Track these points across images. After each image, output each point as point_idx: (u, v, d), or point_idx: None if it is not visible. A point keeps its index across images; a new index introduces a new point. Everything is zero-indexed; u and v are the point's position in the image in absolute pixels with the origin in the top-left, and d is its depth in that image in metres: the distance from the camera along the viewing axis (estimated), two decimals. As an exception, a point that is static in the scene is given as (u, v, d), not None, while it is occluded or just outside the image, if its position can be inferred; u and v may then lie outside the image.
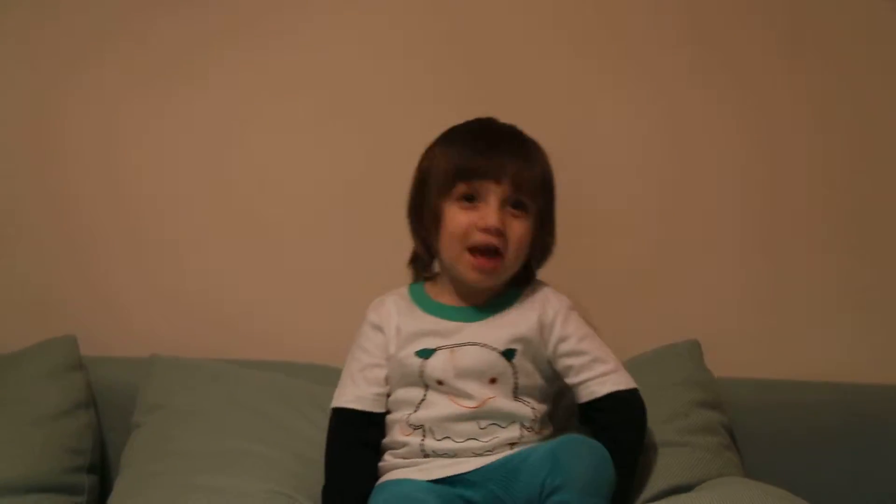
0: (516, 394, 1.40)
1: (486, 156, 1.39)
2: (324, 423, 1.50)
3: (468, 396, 1.38)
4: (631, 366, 1.47)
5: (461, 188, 1.39)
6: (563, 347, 1.42)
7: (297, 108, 1.79)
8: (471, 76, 1.77)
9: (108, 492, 1.48)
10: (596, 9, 1.79)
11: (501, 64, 1.78)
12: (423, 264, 1.50)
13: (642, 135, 1.78)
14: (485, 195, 1.38)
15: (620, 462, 1.30)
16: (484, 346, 1.40)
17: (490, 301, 1.45)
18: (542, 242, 1.46)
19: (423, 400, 1.40)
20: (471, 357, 1.39)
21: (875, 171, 1.78)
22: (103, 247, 1.78)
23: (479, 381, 1.38)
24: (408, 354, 1.41)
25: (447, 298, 1.46)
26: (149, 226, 1.78)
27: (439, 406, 1.38)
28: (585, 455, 1.26)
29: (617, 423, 1.38)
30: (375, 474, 1.40)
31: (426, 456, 1.37)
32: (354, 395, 1.43)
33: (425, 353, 1.40)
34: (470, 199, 1.39)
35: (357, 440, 1.41)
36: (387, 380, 1.43)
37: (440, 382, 1.39)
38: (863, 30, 1.79)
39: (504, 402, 1.38)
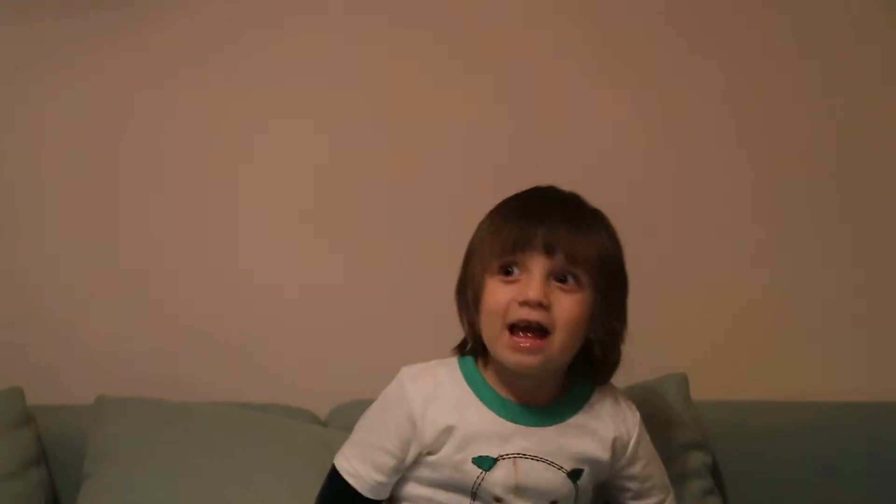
0: None
1: (531, 223, 1.21)
2: (288, 457, 1.45)
3: None
4: None
5: (503, 260, 1.22)
6: (630, 470, 1.29)
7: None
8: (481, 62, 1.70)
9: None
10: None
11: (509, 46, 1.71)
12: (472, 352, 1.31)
13: (644, 140, 1.73)
14: (528, 266, 1.20)
15: None
16: (550, 463, 1.23)
17: (556, 402, 1.26)
18: (606, 327, 1.24)
19: None
20: (536, 475, 1.22)
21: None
22: (52, 280, 1.69)
23: (539, 501, 1.23)
24: (464, 459, 1.22)
25: (504, 390, 1.25)
26: (96, 258, 1.70)
27: None
28: None
29: None
30: None
31: None
32: (356, 470, 1.26)
33: (486, 463, 1.22)
34: (511, 272, 1.22)
35: None
36: (402, 470, 1.26)
37: (497, 500, 1.23)
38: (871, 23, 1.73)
39: None
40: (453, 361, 1.29)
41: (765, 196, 1.75)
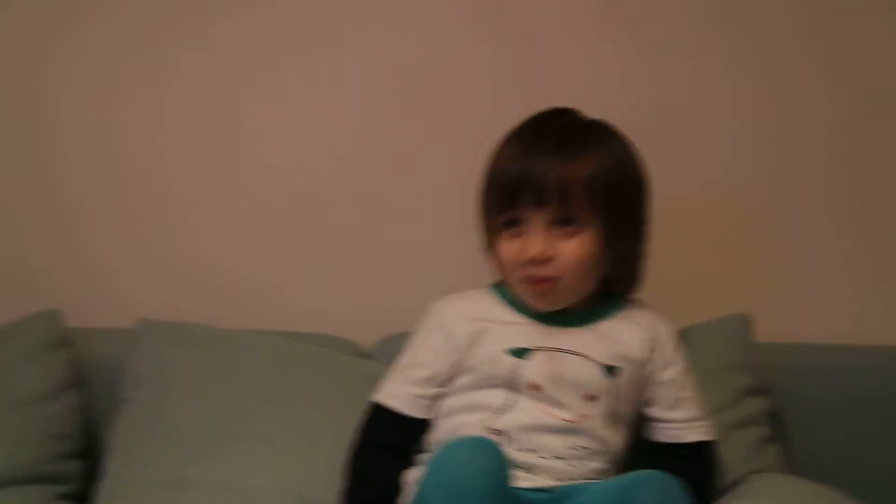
0: (610, 419, 1.24)
1: (521, 175, 1.22)
2: (332, 393, 1.38)
3: (563, 407, 1.22)
4: (681, 339, 1.35)
5: (503, 216, 1.24)
6: (666, 375, 1.28)
7: (307, 74, 1.63)
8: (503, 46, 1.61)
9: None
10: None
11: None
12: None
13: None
14: (528, 218, 1.22)
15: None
16: (585, 357, 1.24)
17: (589, 308, 1.28)
18: (618, 260, 1.26)
19: (507, 405, 1.23)
20: (572, 367, 1.23)
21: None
22: (92, 211, 1.63)
23: (577, 395, 1.23)
24: (497, 352, 1.24)
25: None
26: (141, 189, 1.64)
27: (530, 413, 1.22)
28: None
29: (692, 474, 1.21)
30: (398, 484, 1.24)
31: None
32: (392, 392, 1.28)
33: (520, 353, 1.24)
34: (515, 223, 1.24)
35: (383, 442, 1.26)
36: (444, 382, 1.27)
37: (536, 387, 1.22)
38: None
39: (601, 426, 1.23)
40: (485, 288, 1.33)
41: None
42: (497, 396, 1.23)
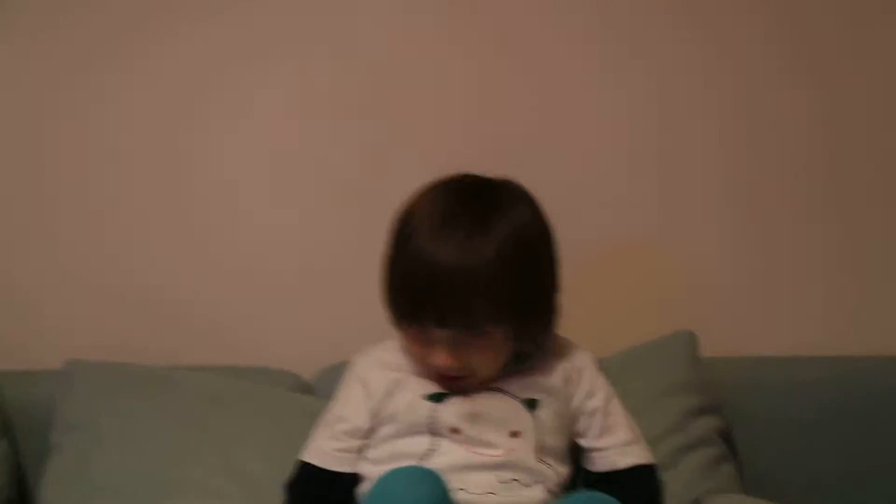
0: (539, 454, 1.20)
1: (418, 296, 1.14)
2: (273, 433, 1.35)
3: (489, 445, 1.19)
4: (622, 362, 1.36)
5: (404, 324, 1.19)
6: (590, 404, 1.25)
7: (243, 97, 1.59)
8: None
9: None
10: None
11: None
12: None
13: (630, 119, 1.64)
14: (430, 333, 1.16)
15: None
16: (504, 392, 1.21)
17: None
18: (530, 344, 1.22)
19: (431, 450, 1.19)
20: (490, 403, 1.20)
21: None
22: (16, 242, 1.56)
23: (499, 432, 1.19)
24: (414, 399, 1.20)
25: None
26: (68, 218, 1.57)
27: (453, 455, 1.18)
28: None
29: (634, 499, 1.18)
30: None
31: None
32: (316, 448, 1.24)
33: (437, 398, 1.20)
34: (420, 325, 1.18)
35: (313, 501, 1.23)
36: (366, 434, 1.23)
37: (455, 430, 1.19)
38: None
39: (532, 459, 1.19)
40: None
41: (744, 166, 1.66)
42: (420, 443, 1.19)
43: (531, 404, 1.21)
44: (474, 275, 1.13)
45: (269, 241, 1.60)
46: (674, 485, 1.30)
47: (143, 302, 1.58)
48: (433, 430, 1.19)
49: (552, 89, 1.62)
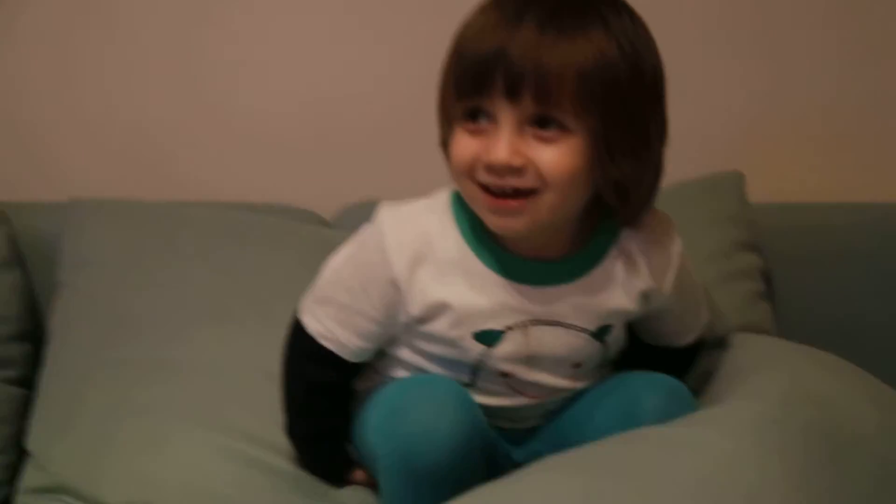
0: (601, 365, 1.07)
1: (492, 52, 0.90)
2: (287, 263, 1.28)
3: (538, 387, 1.03)
4: (675, 193, 1.24)
5: (464, 103, 0.93)
6: (660, 305, 1.06)
7: None
8: None
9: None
10: None
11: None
12: None
13: None
14: (494, 113, 0.92)
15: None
16: (570, 326, 1.00)
17: (573, 254, 1.01)
18: (613, 177, 0.94)
19: (468, 385, 1.02)
20: (553, 342, 1.00)
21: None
22: (21, 79, 1.48)
23: (557, 369, 1.03)
24: (462, 336, 0.99)
25: (504, 239, 0.99)
26: (75, 51, 1.48)
27: (493, 396, 1.03)
28: (673, 413, 0.95)
29: (681, 369, 1.08)
30: (342, 409, 1.09)
31: None
32: (335, 336, 1.03)
33: (490, 338, 0.99)
34: (478, 117, 0.93)
35: (325, 381, 1.06)
36: (388, 338, 1.05)
37: (505, 375, 1.02)
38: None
39: (587, 378, 1.06)
40: (445, 204, 1.02)
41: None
42: (455, 375, 1.02)
43: (602, 333, 1.03)
44: (565, 38, 0.90)
45: (287, 76, 1.51)
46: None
47: (153, 139, 1.50)
48: (476, 370, 1.02)
49: None
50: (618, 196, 0.96)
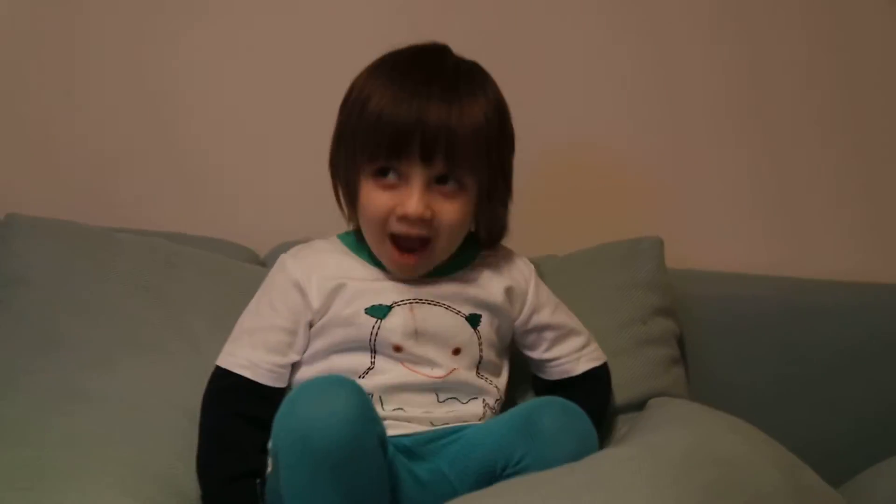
0: (479, 369, 1.17)
1: (407, 123, 1.08)
2: (220, 296, 1.30)
3: (430, 364, 1.14)
4: (596, 255, 1.37)
5: (377, 164, 1.11)
6: (537, 319, 1.22)
7: None
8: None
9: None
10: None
11: None
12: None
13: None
14: (406, 173, 1.11)
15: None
16: (448, 307, 1.16)
17: (444, 263, 1.19)
18: (488, 217, 1.19)
19: (370, 368, 1.14)
20: (435, 318, 1.15)
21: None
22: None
23: (441, 349, 1.15)
24: (355, 312, 1.13)
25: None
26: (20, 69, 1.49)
27: (392, 373, 1.13)
28: (569, 424, 1.05)
29: (587, 398, 1.15)
30: (259, 452, 1.13)
31: None
32: (247, 359, 1.14)
33: (380, 312, 1.14)
34: (388, 175, 1.11)
35: (242, 413, 1.12)
36: (298, 349, 1.16)
37: (397, 349, 1.14)
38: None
39: (472, 377, 1.16)
40: (333, 237, 1.23)
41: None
42: (357, 360, 1.14)
43: (474, 320, 1.17)
44: (463, 106, 1.10)
45: (228, 108, 1.54)
46: (630, 372, 1.32)
47: (93, 162, 1.52)
48: (371, 347, 1.14)
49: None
50: (487, 232, 1.21)
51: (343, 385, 1.00)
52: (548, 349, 1.23)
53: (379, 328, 1.13)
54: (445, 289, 1.17)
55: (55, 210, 1.40)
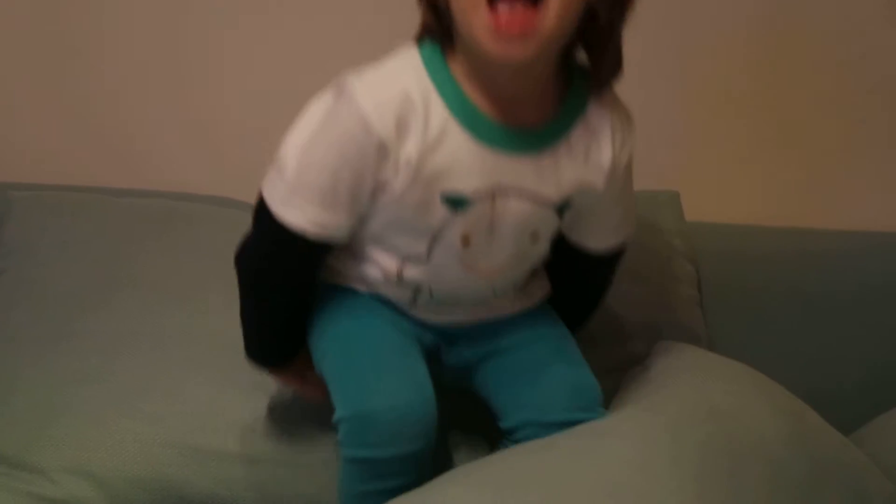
0: (546, 244, 1.05)
1: None
2: (223, 242, 1.18)
3: (492, 257, 1.01)
4: None
5: None
6: (615, 205, 1.06)
7: None
8: None
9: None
10: None
11: None
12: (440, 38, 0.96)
13: None
14: None
15: (591, 296, 1.16)
16: (536, 198, 0.98)
17: (547, 122, 0.98)
18: (605, 32, 0.93)
19: (427, 256, 1.00)
20: (516, 212, 0.98)
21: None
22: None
23: (514, 239, 1.00)
24: (431, 198, 0.96)
25: (481, 98, 0.94)
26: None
27: (450, 270, 1.01)
28: None
29: (600, 278, 1.12)
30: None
31: (414, 300, 1.05)
32: (322, 219, 0.96)
33: (458, 204, 0.96)
34: None
35: (306, 268, 1.02)
36: (364, 215, 0.99)
37: (465, 241, 0.99)
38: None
39: (534, 262, 1.07)
40: (415, 59, 0.95)
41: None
42: (417, 246, 0.99)
43: (563, 209, 1.01)
44: None
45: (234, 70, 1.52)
46: (656, 303, 1.34)
47: (92, 125, 1.52)
48: (437, 238, 0.99)
49: None
50: (602, 43, 0.95)
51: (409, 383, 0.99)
52: (601, 239, 1.09)
53: (452, 223, 0.98)
54: (541, 169, 0.97)
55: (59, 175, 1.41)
